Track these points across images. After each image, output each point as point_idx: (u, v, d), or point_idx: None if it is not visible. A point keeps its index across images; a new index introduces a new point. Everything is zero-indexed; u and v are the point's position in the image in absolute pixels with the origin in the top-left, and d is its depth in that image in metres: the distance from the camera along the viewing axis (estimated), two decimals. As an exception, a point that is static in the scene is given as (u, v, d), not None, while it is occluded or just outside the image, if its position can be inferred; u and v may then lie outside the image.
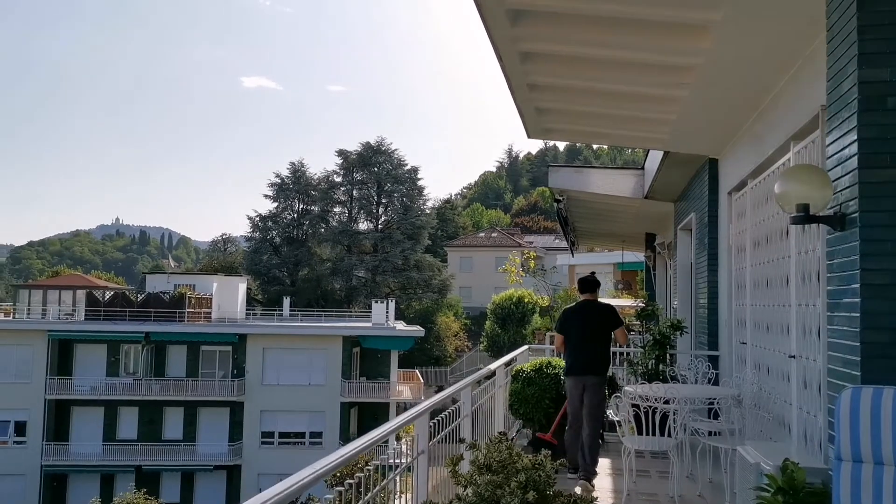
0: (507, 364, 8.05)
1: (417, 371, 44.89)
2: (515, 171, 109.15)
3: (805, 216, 3.70)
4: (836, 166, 3.73)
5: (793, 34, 4.91)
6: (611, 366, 7.13)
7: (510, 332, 46.12)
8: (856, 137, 3.47)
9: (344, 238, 56.64)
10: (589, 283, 7.01)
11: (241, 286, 43.12)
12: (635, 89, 6.74)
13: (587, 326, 6.71)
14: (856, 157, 3.47)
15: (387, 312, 40.21)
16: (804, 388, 5.36)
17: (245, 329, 38.01)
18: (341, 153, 58.59)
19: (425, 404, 3.64)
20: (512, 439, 8.25)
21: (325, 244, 58.04)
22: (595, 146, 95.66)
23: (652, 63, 6.02)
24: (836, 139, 3.72)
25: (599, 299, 7.14)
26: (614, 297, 21.37)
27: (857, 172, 3.46)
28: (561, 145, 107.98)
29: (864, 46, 3.42)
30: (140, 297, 38.16)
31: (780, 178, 3.86)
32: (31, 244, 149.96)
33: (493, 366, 6.78)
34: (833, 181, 3.74)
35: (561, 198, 13.35)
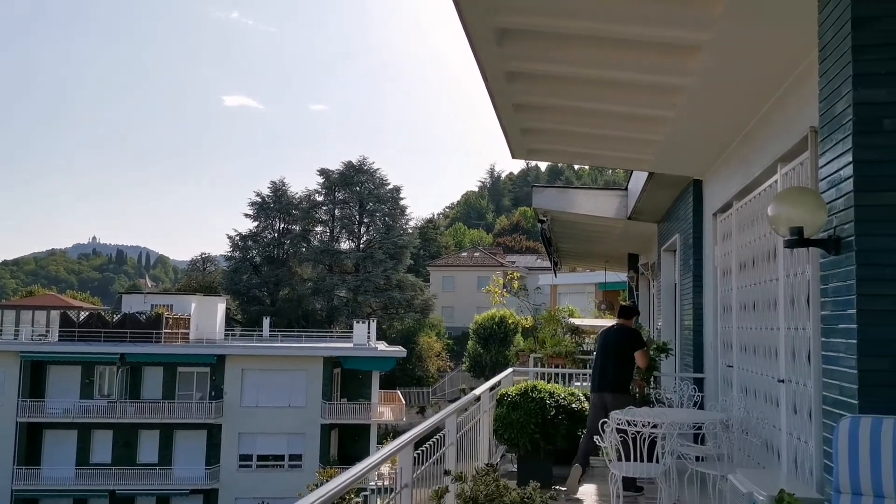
0: (492, 388, 7.91)
1: (399, 392, 44.52)
2: (498, 191, 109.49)
3: (799, 239, 3.62)
4: (830, 189, 3.66)
5: (782, 55, 4.88)
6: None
7: (492, 353, 45.93)
8: (851, 160, 3.39)
9: (325, 257, 56.33)
10: (624, 309, 7.84)
11: (220, 306, 42.63)
12: (623, 109, 6.68)
13: (607, 346, 7.37)
14: (851, 180, 3.39)
15: (368, 333, 39.92)
16: (794, 414, 5.27)
17: (223, 350, 37.50)
18: (323, 172, 58.46)
19: (409, 435, 3.49)
20: (496, 465, 8.08)
21: (307, 264, 57.69)
22: (577, 167, 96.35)
23: (640, 83, 5.96)
24: (830, 161, 3.65)
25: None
26: (596, 318, 21.31)
27: (852, 195, 3.39)
28: (543, 165, 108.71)
29: (858, 67, 3.36)
30: (116, 318, 37.55)
31: (774, 200, 3.78)
32: (4, 263, 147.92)
33: (478, 391, 6.64)
34: (827, 204, 3.67)
35: (545, 218, 13.29)
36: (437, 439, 4.50)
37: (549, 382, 9.45)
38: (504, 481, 3.51)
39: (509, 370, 9.20)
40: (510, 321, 45.76)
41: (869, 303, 3.31)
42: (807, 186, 4.65)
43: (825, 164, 3.71)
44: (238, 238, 57.08)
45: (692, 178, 8.94)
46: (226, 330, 43.48)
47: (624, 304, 7.77)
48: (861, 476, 3.22)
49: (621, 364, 7.24)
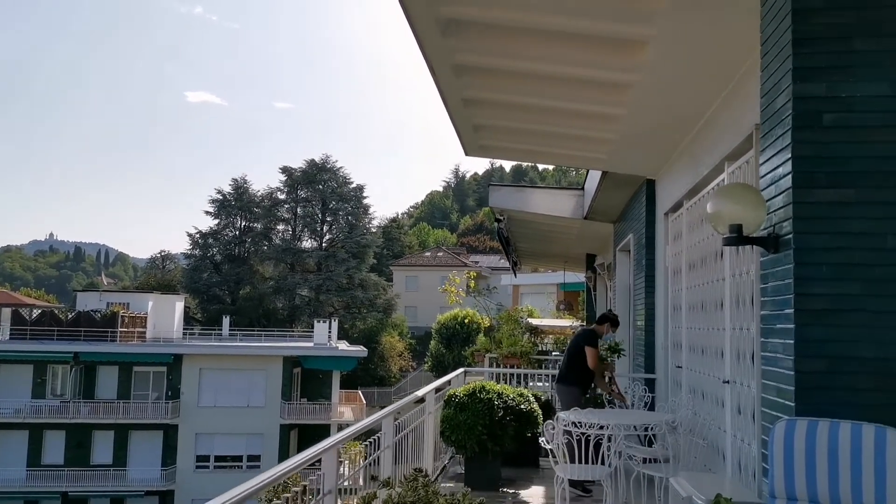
0: (440, 389, 7.75)
1: (360, 392, 44.16)
2: (462, 191, 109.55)
3: (738, 237, 3.51)
4: (769, 186, 3.56)
5: (728, 51, 4.80)
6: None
7: (455, 353, 45.78)
8: (790, 156, 3.30)
9: (287, 256, 55.67)
10: (598, 316, 8.38)
11: (178, 304, 41.81)
12: (574, 106, 6.59)
13: (568, 345, 8.02)
14: (790, 177, 3.30)
15: (329, 332, 39.51)
16: (738, 415, 5.21)
17: (181, 349, 36.77)
18: (285, 170, 57.77)
19: (333, 439, 3.30)
20: (444, 468, 7.93)
21: (268, 262, 56.97)
22: (541, 167, 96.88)
23: (590, 79, 5.86)
24: (770, 157, 3.56)
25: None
26: (556, 318, 21.31)
27: (791, 192, 3.29)
28: (507, 166, 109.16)
29: (798, 60, 3.26)
30: (70, 316, 36.57)
31: (713, 197, 3.68)
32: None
33: (421, 392, 6.47)
34: (767, 201, 3.57)
35: (501, 217, 13.18)
36: (372, 442, 4.32)
37: (505, 383, 9.38)
38: (437, 486, 3.34)
39: (460, 370, 9.06)
40: (473, 321, 45.68)
41: (806, 302, 3.22)
42: (748, 184, 4.57)
43: (765, 161, 3.62)
44: (198, 236, 56.10)
45: (645, 178, 8.89)
46: (184, 329, 42.63)
47: (604, 312, 8.45)
48: (796, 480, 3.13)
49: (570, 360, 7.66)
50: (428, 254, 70.72)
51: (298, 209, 57.77)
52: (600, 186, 9.57)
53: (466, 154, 8.67)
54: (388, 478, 3.52)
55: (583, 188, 12.04)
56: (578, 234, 13.97)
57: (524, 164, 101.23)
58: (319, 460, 3.26)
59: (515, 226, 13.85)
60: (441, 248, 73.40)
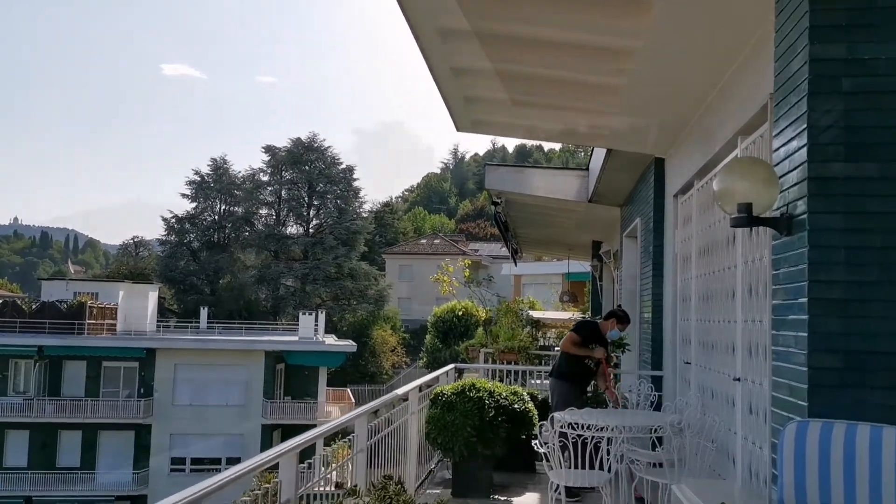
0: (429, 385, 7.67)
1: (349, 390, 44.17)
2: (461, 174, 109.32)
3: (747, 217, 3.40)
4: (783, 160, 3.45)
5: (740, 12, 4.66)
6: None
7: (452, 348, 45.75)
8: (805, 126, 3.18)
9: (271, 243, 55.59)
10: (606, 313, 8.64)
11: (151, 295, 41.70)
12: (574, 76, 6.45)
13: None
14: (805, 150, 3.18)
15: (315, 325, 39.48)
16: (750, 415, 5.11)
17: (154, 343, 36.73)
18: (269, 149, 57.57)
19: (293, 442, 3.20)
20: (430, 473, 7.85)
21: (250, 250, 56.91)
22: (546, 147, 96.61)
23: (589, 45, 5.73)
24: (783, 129, 3.44)
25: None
26: (559, 310, 21.22)
27: (805, 167, 3.18)
28: (510, 145, 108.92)
29: (815, 18, 3.13)
30: (34, 307, 36.48)
31: (720, 173, 3.57)
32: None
33: (402, 389, 6.38)
34: (780, 177, 3.45)
35: (499, 200, 13.06)
36: (342, 445, 4.22)
37: (500, 381, 9.30)
38: (416, 494, 3.24)
39: (450, 366, 8.97)
40: (473, 314, 45.61)
41: (822, 290, 3.11)
42: (759, 158, 4.45)
43: (779, 133, 3.51)
44: (174, 220, 55.97)
45: (654, 157, 8.77)
46: (158, 321, 42.59)
47: (612, 308, 8.86)
48: (808, 489, 3.03)
49: (566, 353, 7.78)
50: (424, 241, 70.59)
51: (283, 192, 57.62)
52: (605, 166, 9.45)
53: (458, 129, 8.54)
54: (355, 485, 3.42)
55: (587, 169, 11.92)
56: (583, 218, 13.85)
57: (528, 143, 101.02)
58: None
59: (514, 210, 13.73)
60: (438, 234, 73.30)
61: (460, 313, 43.70)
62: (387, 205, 78.83)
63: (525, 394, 7.62)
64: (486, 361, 12.50)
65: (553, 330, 16.91)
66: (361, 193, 59.86)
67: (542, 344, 15.14)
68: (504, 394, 7.28)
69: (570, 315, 17.04)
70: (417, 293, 63.70)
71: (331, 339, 40.49)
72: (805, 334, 3.13)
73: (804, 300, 3.15)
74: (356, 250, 56.70)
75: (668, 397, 7.94)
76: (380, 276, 60.72)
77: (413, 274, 65.68)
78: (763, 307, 4.79)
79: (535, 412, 7.53)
